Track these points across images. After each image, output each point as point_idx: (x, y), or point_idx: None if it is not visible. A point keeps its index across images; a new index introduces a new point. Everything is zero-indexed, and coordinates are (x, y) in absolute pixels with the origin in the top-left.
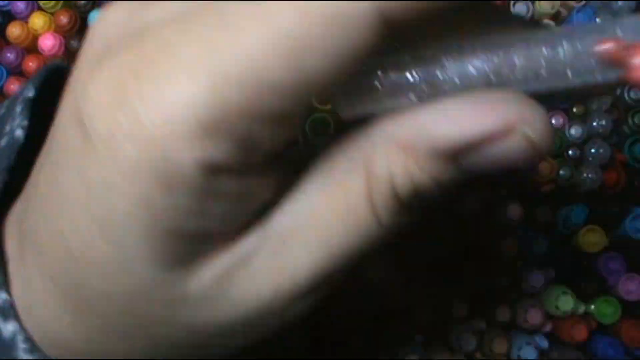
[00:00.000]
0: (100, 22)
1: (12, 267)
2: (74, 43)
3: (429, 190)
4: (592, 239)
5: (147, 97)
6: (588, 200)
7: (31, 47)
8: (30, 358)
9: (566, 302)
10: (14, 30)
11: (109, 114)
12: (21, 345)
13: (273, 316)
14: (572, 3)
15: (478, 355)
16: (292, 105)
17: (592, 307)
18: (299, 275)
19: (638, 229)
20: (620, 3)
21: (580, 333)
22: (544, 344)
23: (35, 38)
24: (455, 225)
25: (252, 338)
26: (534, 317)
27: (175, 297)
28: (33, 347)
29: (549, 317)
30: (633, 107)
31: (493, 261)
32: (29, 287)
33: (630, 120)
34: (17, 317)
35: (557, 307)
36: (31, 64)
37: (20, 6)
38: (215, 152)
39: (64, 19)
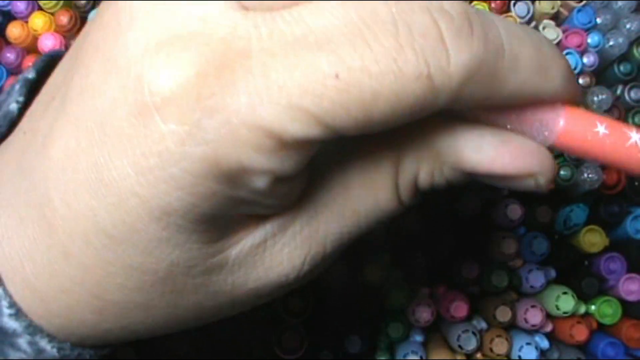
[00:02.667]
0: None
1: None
2: (74, 43)
3: (441, 187)
4: (593, 239)
5: (238, 106)
6: (588, 200)
7: (31, 47)
8: (16, 324)
9: (566, 302)
10: (14, 31)
11: (189, 109)
12: (6, 310)
13: (297, 278)
14: (572, 3)
15: (478, 355)
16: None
17: (593, 307)
18: (328, 240)
19: (638, 229)
20: (620, 3)
21: (580, 333)
22: (544, 344)
23: (35, 38)
24: (455, 225)
25: (273, 297)
26: (534, 317)
27: (214, 265)
28: (19, 312)
29: (549, 317)
30: (633, 107)
31: (493, 261)
32: (29, 260)
33: (630, 120)
34: (1, 282)
35: (557, 307)
36: (31, 64)
37: (20, 6)
38: (285, 167)
39: (64, 19)
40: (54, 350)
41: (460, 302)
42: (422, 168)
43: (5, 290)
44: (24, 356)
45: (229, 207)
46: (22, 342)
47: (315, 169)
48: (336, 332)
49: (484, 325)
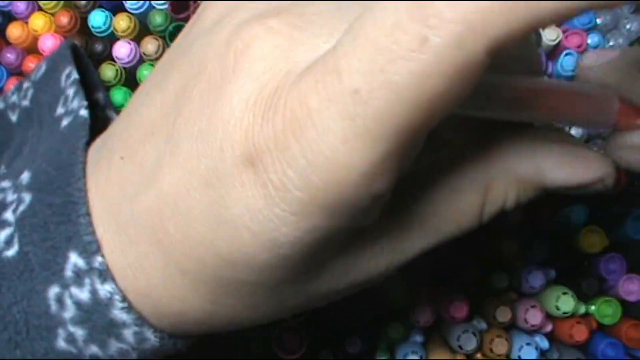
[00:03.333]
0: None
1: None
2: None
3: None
4: (593, 239)
5: (340, 151)
6: (588, 201)
7: (31, 48)
8: (127, 317)
9: (566, 303)
10: (14, 31)
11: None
12: (119, 304)
13: (378, 281)
14: None
15: (478, 355)
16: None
17: (593, 307)
18: (410, 253)
19: (638, 229)
20: None
21: (580, 333)
22: (544, 344)
23: (36, 38)
24: None
25: (343, 297)
26: (534, 317)
27: (313, 277)
28: (130, 307)
29: (549, 317)
30: None
31: (493, 261)
32: (141, 273)
33: None
34: (114, 280)
35: (557, 308)
36: (31, 65)
37: (21, 6)
38: (384, 188)
39: (64, 19)
40: (156, 340)
41: (460, 302)
42: (509, 195)
43: (117, 287)
44: (124, 346)
45: (332, 235)
46: (128, 333)
47: (405, 189)
48: (336, 332)
49: (483, 325)
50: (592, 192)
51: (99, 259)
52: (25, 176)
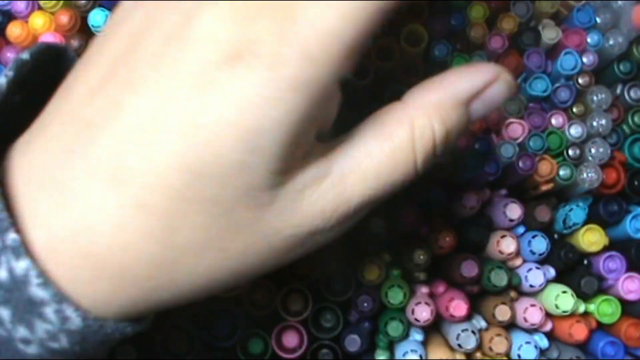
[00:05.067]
0: None
1: (25, 203)
2: (74, 43)
3: (453, 137)
4: (592, 238)
5: (312, 25)
6: (588, 200)
7: (31, 47)
8: (45, 294)
9: (566, 302)
10: (14, 30)
11: (278, 37)
12: (35, 280)
13: (325, 232)
14: (572, 3)
15: (478, 354)
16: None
17: (592, 306)
18: (354, 200)
19: (638, 228)
20: (620, 3)
21: (579, 332)
22: (544, 343)
23: (36, 38)
24: (455, 225)
25: (302, 253)
26: (534, 316)
27: (269, 200)
28: (47, 281)
29: (548, 316)
30: (633, 107)
31: (492, 260)
32: (87, 229)
33: (630, 120)
34: (29, 254)
35: (557, 307)
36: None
37: (21, 6)
38: (348, 69)
39: (64, 18)
40: (78, 319)
41: (459, 301)
42: (434, 124)
43: (34, 262)
44: (49, 327)
45: (308, 125)
46: (49, 311)
47: (342, 137)
48: (336, 332)
49: (483, 324)
50: (502, 93)
51: (12, 235)
52: None
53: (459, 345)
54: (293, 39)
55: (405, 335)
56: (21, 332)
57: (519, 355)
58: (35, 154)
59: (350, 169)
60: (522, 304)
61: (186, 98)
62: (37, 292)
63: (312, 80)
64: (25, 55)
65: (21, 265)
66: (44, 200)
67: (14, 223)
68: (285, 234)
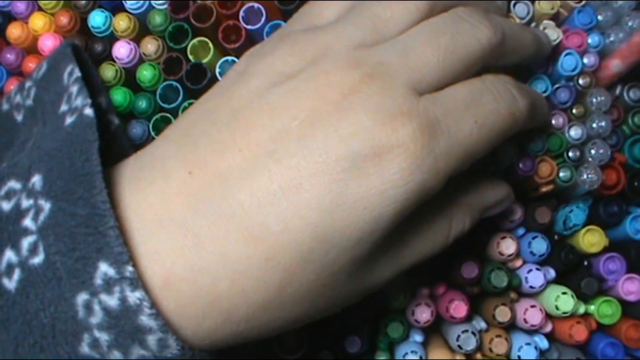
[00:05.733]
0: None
1: (141, 239)
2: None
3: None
4: (592, 239)
5: (448, 141)
6: (588, 201)
7: (31, 48)
8: (154, 323)
9: (566, 303)
10: (14, 31)
11: (421, 144)
12: (147, 310)
13: (379, 287)
14: (572, 3)
15: (478, 355)
16: None
17: (592, 307)
18: (404, 264)
19: (638, 229)
20: (620, 2)
21: (580, 333)
22: (544, 344)
23: (36, 39)
24: None
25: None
26: (534, 317)
27: (360, 267)
28: (158, 312)
29: (548, 317)
30: (633, 107)
31: (492, 261)
32: (189, 258)
33: (630, 121)
34: (144, 287)
35: (557, 308)
36: (31, 65)
37: (21, 7)
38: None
39: (64, 19)
40: (177, 348)
41: (459, 302)
42: (466, 222)
43: (148, 294)
44: (145, 353)
45: (420, 200)
46: (152, 339)
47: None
48: (336, 332)
49: (483, 325)
50: (501, 209)
51: (129, 268)
52: (36, 180)
53: (459, 347)
54: (431, 150)
55: (405, 337)
56: (115, 355)
57: (519, 357)
58: (155, 193)
59: (407, 242)
60: (522, 305)
61: (329, 179)
62: (146, 321)
63: (432, 188)
64: (77, 72)
65: (136, 295)
66: (163, 239)
67: (132, 257)
68: (357, 293)
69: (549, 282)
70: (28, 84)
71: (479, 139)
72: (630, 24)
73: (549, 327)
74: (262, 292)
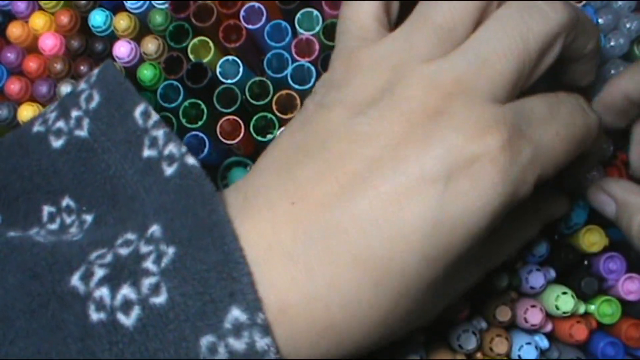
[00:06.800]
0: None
1: (260, 274)
2: (74, 43)
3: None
4: (592, 239)
5: (534, 151)
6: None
7: (31, 47)
8: None
9: (566, 302)
10: (14, 30)
11: (509, 157)
12: (272, 356)
13: (459, 295)
14: (572, 3)
15: (478, 354)
16: None
17: (592, 307)
18: (491, 266)
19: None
20: (620, 3)
21: (580, 333)
22: (544, 344)
23: (36, 38)
24: None
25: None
26: (534, 316)
27: (460, 279)
28: (280, 353)
29: (549, 316)
30: None
31: None
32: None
33: None
34: (272, 335)
35: (557, 307)
36: (31, 64)
37: (21, 6)
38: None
39: (64, 19)
40: None
41: (460, 302)
42: (538, 228)
43: (274, 340)
44: None
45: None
46: None
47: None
48: None
49: (484, 325)
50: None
51: (261, 315)
52: (155, 230)
53: (460, 346)
54: (519, 160)
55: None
56: None
57: (519, 356)
58: (264, 222)
59: (498, 242)
60: (523, 305)
61: (428, 200)
62: None
63: (521, 198)
64: (155, 116)
65: (265, 341)
66: (277, 268)
67: (263, 303)
68: (447, 301)
69: (549, 282)
70: (75, 112)
71: (561, 150)
72: (628, 25)
73: (549, 327)
74: (374, 317)
